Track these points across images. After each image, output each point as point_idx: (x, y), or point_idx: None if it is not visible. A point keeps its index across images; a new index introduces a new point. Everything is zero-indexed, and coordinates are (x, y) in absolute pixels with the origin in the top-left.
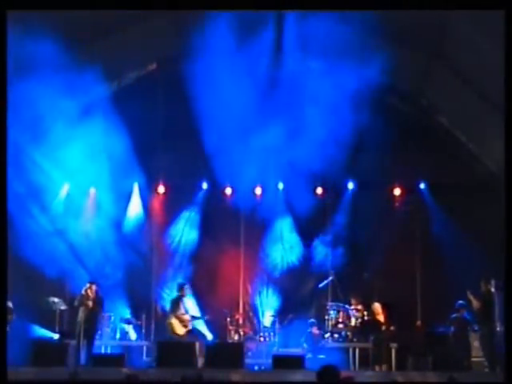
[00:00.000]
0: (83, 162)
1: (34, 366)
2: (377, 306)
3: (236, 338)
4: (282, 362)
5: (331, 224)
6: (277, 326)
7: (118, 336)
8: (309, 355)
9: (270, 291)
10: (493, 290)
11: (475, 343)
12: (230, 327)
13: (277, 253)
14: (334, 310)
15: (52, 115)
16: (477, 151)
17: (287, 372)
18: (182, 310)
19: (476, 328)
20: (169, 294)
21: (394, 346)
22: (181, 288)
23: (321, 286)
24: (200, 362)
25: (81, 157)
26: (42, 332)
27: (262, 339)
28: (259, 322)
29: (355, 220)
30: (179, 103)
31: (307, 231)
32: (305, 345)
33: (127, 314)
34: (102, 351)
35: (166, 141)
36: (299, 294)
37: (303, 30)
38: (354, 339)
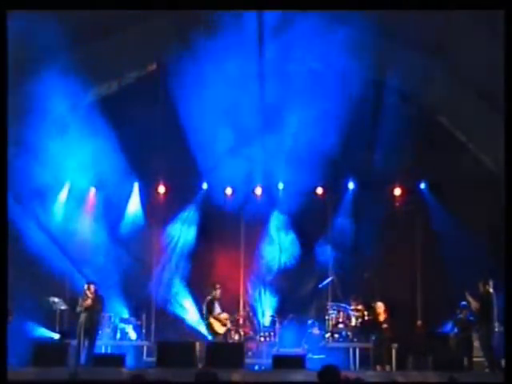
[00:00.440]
0: (83, 162)
1: (34, 366)
2: (380, 306)
3: (236, 338)
4: (282, 362)
5: (331, 224)
6: (277, 325)
7: (118, 336)
8: (309, 355)
9: (270, 291)
10: (491, 290)
11: (475, 343)
12: (231, 327)
13: (277, 253)
14: (334, 310)
15: (52, 115)
16: (477, 151)
17: (287, 372)
18: (218, 310)
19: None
20: (169, 294)
21: (394, 345)
22: (214, 288)
23: (321, 286)
24: (200, 362)
25: (81, 157)
26: (42, 332)
27: (262, 339)
28: (259, 322)
29: (355, 220)
30: (179, 103)
31: (307, 231)
32: (305, 345)
33: (125, 314)
34: (102, 351)
35: (166, 141)
36: (299, 295)
37: (298, 27)
38: (354, 339)
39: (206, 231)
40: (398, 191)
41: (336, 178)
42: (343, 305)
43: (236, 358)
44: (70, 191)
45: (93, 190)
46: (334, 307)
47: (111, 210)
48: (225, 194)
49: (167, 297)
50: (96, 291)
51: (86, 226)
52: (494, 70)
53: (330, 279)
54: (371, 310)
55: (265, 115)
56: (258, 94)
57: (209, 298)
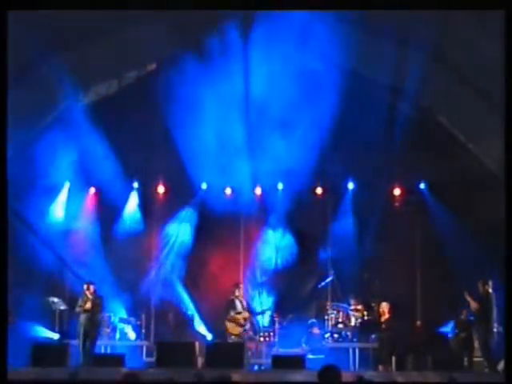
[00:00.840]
0: (83, 161)
1: (34, 367)
2: (384, 306)
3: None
4: (282, 362)
5: (331, 224)
6: (277, 325)
7: (117, 336)
8: (309, 355)
9: (270, 291)
10: (491, 290)
11: (475, 343)
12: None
13: (276, 253)
14: (333, 309)
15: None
16: (476, 151)
17: (287, 372)
18: (237, 310)
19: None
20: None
21: (394, 345)
22: (236, 288)
23: (321, 285)
24: (200, 362)
25: (81, 157)
26: (42, 332)
27: (261, 339)
28: (259, 322)
29: (355, 220)
30: (179, 103)
31: (307, 231)
32: (305, 345)
33: (124, 314)
34: (102, 351)
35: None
36: (299, 294)
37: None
38: (354, 339)
39: (205, 231)
40: (397, 191)
41: (336, 178)
42: (343, 305)
43: (236, 357)
44: (69, 191)
45: (92, 190)
46: (334, 307)
47: (111, 210)
48: (224, 194)
49: (166, 297)
50: (95, 291)
51: (86, 226)
52: (493, 69)
53: (329, 279)
54: (372, 309)
55: (265, 114)
56: (257, 93)
57: (231, 297)
